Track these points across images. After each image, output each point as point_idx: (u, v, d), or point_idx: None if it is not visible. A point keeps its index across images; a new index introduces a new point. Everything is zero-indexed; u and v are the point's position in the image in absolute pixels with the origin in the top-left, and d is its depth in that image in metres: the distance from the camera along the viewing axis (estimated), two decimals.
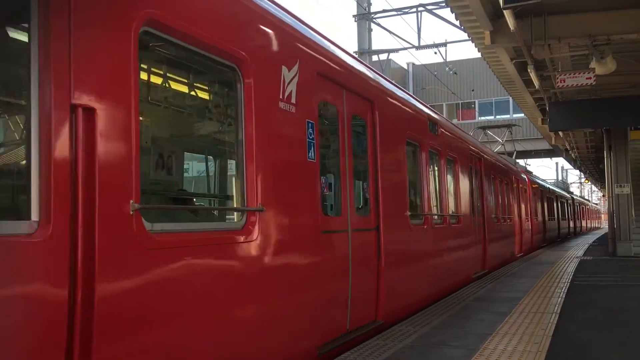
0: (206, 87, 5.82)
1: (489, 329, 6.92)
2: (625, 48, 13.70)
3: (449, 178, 11.34)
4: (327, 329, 5.76)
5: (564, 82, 12.94)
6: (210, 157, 6.78)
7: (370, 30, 22.49)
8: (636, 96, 17.35)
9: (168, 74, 5.52)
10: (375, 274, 6.97)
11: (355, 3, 22.04)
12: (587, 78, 12.70)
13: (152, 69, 5.26)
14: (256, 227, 4.65)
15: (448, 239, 10.71)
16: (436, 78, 32.97)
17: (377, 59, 23.48)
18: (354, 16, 22.38)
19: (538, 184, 26.71)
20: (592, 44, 12.17)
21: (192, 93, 5.80)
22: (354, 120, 6.84)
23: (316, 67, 5.88)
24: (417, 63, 43.89)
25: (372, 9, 22.71)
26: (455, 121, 38.54)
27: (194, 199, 6.45)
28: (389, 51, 23.88)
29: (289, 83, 5.25)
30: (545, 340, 6.30)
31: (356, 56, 7.41)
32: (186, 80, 5.71)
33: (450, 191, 11.36)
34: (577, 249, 24.27)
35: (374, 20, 22.56)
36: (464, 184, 12.10)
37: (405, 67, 47.52)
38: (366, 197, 7.18)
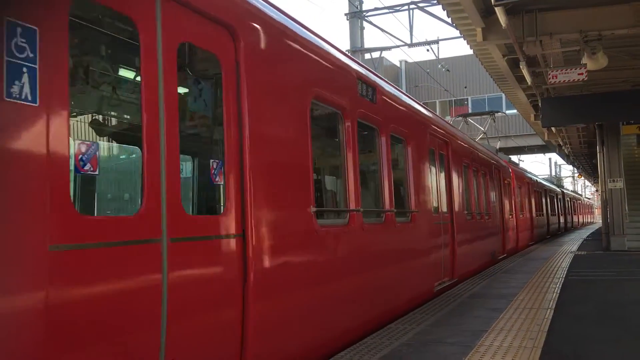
0: None
1: (484, 326, 6.94)
2: (616, 43, 13.77)
3: (396, 162, 8.66)
4: None
5: (556, 78, 12.99)
6: None
7: (362, 28, 22.52)
8: (628, 91, 17.45)
9: None
10: (237, 309, 4.38)
11: (347, 1, 22.05)
12: (578, 74, 12.76)
13: None
14: None
15: (390, 243, 7.85)
16: (429, 75, 33.00)
17: (369, 57, 23.51)
18: (346, 15, 22.40)
19: (524, 176, 24.47)
20: (584, 40, 12.22)
21: None
22: (189, 52, 4.47)
23: None
24: (409, 61, 43.97)
25: (364, 7, 22.74)
26: (448, 118, 38.59)
27: None
28: (381, 49, 23.91)
29: None
30: (540, 335, 6.32)
31: None
32: None
33: (398, 180, 8.63)
34: (571, 244, 24.37)
35: (366, 18, 22.59)
36: (421, 171, 9.38)
37: (398, 64, 47.56)
38: (215, 184, 4.46)
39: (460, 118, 25.51)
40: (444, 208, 11.01)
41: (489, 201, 15.68)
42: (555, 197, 36.59)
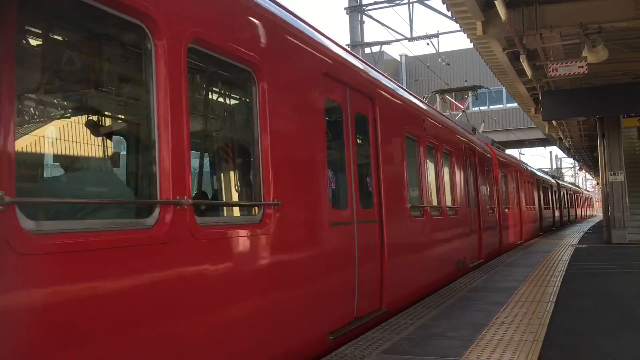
0: None
1: (485, 319, 6.95)
2: (616, 36, 13.75)
3: (220, 111, 5.64)
4: None
5: (556, 71, 12.98)
6: None
7: (362, 22, 22.47)
8: (628, 84, 17.43)
9: None
10: None
11: None
12: (579, 67, 12.75)
13: None
14: None
15: (184, 270, 3.91)
16: (429, 69, 32.92)
17: (369, 51, 23.46)
18: (345, 9, 22.34)
19: (511, 163, 20.92)
20: (584, 33, 12.20)
21: None
22: None
23: None
24: (409, 55, 43.89)
25: (364, 1, 22.67)
26: (448, 112, 38.46)
27: None
28: (381, 43, 23.86)
29: None
30: (541, 329, 6.33)
31: None
32: None
33: (224, 144, 5.84)
34: (572, 237, 24.39)
35: (365, 12, 22.53)
36: (297, 136, 5.48)
37: (398, 59, 47.48)
38: None
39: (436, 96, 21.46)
40: (366, 200, 7.16)
41: (456, 192, 11.78)
42: (549, 189, 32.84)
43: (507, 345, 5.64)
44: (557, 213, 36.26)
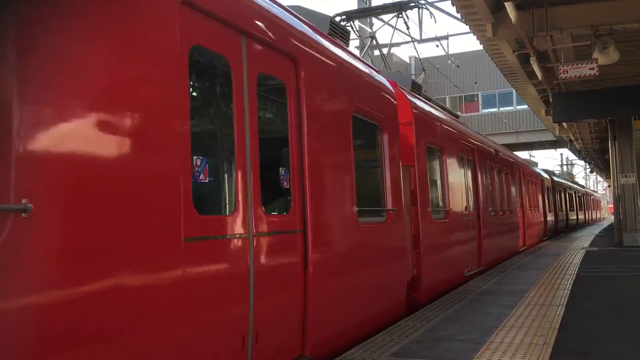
0: None
1: (495, 322, 6.92)
2: (627, 38, 13.66)
3: None
4: None
5: (567, 73, 12.91)
6: None
7: (371, 25, 22.47)
8: (639, 85, 17.29)
9: None
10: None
11: None
12: (589, 69, 12.67)
13: None
14: None
15: None
16: (439, 71, 32.86)
17: (378, 53, 23.44)
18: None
19: (458, 129, 12.20)
20: (595, 34, 12.12)
21: None
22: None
23: None
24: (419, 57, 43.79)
25: (373, 4, 22.67)
26: (458, 114, 38.23)
27: None
28: (390, 45, 23.83)
29: None
30: (551, 332, 6.30)
31: None
32: None
33: None
34: (583, 240, 24.25)
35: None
36: None
37: (407, 61, 47.44)
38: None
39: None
40: None
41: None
42: (539, 186, 24.58)
43: (517, 349, 5.61)
44: (550, 218, 27.46)
